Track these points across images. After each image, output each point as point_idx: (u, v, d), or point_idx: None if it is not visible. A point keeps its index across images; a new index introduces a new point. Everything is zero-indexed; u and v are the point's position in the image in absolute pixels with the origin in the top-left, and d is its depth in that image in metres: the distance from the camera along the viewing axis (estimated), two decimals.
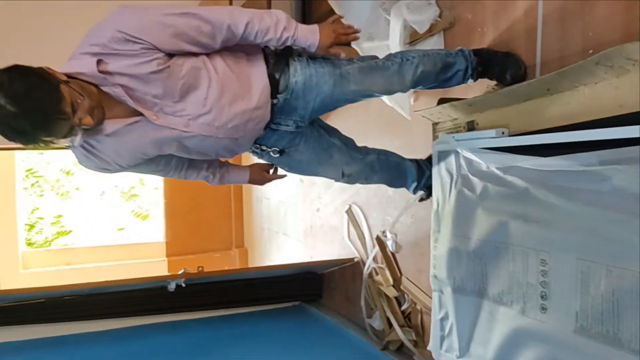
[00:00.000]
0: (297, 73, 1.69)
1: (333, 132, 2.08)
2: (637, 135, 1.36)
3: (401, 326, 2.92)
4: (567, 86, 1.65)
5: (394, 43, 2.57)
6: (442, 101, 2.23)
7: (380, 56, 1.87)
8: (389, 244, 3.07)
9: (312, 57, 1.74)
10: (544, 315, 1.63)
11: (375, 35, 2.77)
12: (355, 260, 3.50)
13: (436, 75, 1.95)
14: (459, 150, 2.00)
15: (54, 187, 7.75)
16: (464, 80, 2.05)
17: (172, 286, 3.35)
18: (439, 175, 2.15)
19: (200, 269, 3.54)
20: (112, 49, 1.41)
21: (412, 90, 2.77)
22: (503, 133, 1.88)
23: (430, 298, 2.37)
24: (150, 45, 1.42)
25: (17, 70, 1.33)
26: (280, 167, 2.05)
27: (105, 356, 3.14)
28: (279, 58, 1.70)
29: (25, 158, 7.36)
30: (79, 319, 3.43)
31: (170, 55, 1.48)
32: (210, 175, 1.91)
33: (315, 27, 1.64)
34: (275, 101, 1.69)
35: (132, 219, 7.80)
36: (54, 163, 7.70)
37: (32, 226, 7.36)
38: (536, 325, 1.66)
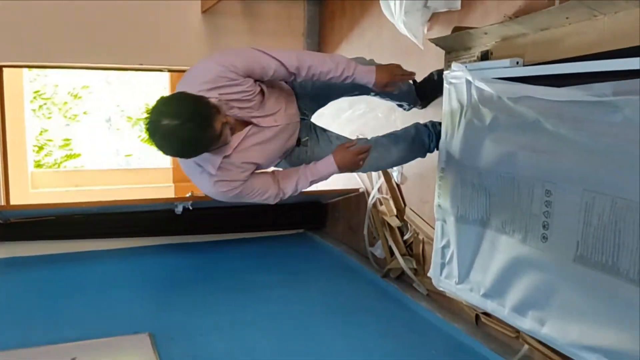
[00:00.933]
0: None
1: (329, 131, 2.39)
2: None
3: (402, 255, 2.98)
4: (587, 14, 1.61)
5: None
6: (456, 29, 2.19)
7: None
8: (395, 175, 3.09)
9: None
10: (545, 244, 1.66)
11: None
12: (360, 190, 3.53)
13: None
14: (471, 80, 1.97)
15: (61, 109, 7.72)
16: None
17: (179, 209, 3.40)
18: (450, 105, 2.13)
19: None
20: (222, 82, 1.79)
21: (426, 19, 2.73)
22: (517, 63, 1.85)
23: (433, 228, 2.41)
24: (244, 74, 1.83)
25: (162, 100, 1.67)
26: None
27: (114, 273, 3.24)
28: None
29: (33, 79, 7.31)
30: (88, 237, 3.51)
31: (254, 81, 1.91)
32: (303, 167, 2.16)
33: (372, 68, 2.04)
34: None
35: (139, 145, 7.82)
36: (62, 86, 7.65)
37: (41, 148, 7.39)
38: (536, 253, 1.70)
